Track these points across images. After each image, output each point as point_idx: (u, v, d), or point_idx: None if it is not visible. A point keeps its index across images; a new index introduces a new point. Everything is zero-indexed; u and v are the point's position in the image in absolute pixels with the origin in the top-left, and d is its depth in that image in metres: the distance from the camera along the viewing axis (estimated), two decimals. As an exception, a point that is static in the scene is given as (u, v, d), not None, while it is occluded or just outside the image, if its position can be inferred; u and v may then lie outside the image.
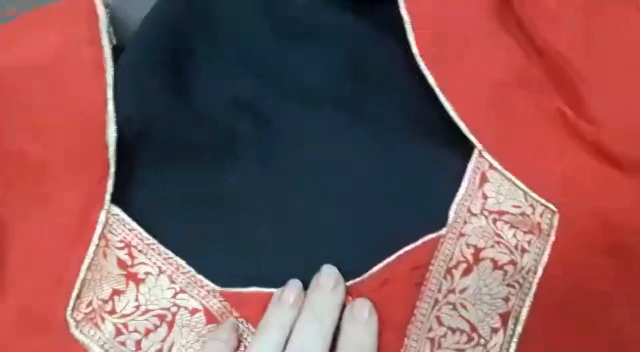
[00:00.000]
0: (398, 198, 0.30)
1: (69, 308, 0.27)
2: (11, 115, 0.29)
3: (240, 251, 0.29)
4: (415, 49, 0.30)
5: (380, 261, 0.28)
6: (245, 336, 0.27)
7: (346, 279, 0.28)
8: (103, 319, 0.27)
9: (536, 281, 0.28)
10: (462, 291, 0.28)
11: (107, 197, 0.29)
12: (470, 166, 0.30)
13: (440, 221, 0.30)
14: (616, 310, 0.28)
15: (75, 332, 0.27)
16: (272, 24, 0.32)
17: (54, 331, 0.27)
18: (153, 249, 0.28)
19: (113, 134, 0.28)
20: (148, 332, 0.27)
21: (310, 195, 0.29)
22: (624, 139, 0.30)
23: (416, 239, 0.29)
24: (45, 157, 0.28)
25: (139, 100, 0.30)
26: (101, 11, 0.29)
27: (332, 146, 0.30)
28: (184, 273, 0.28)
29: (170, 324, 0.27)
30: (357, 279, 0.28)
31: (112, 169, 0.29)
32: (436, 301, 0.28)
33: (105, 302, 0.27)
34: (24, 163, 0.28)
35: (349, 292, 0.28)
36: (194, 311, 0.27)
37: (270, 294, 0.27)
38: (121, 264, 0.28)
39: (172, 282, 0.28)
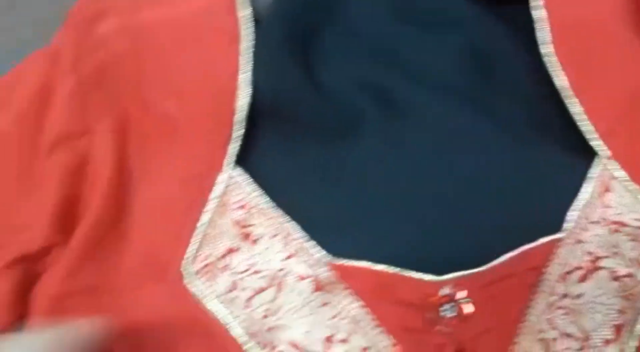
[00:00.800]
0: (518, 197, 0.29)
1: (185, 261, 0.28)
2: (156, 70, 0.30)
3: (354, 225, 0.29)
4: (548, 49, 0.30)
5: (494, 256, 0.28)
6: (351, 311, 0.27)
7: (458, 269, 0.27)
8: (217, 274, 0.28)
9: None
10: (577, 297, 0.27)
11: (230, 159, 0.30)
12: (594, 173, 0.30)
13: (557, 225, 0.29)
14: None
15: (189, 284, 0.27)
16: (399, 10, 0.32)
17: (169, 281, 0.27)
18: (268, 213, 0.29)
19: (244, 99, 0.29)
20: (258, 291, 0.27)
21: (432, 180, 0.29)
22: None
23: (532, 239, 0.28)
24: (179, 115, 0.30)
25: (270, 71, 0.31)
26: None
27: (456, 135, 0.30)
28: (295, 239, 0.28)
29: (279, 287, 0.27)
30: (473, 271, 0.27)
31: (238, 133, 0.30)
32: (549, 304, 0.27)
33: (221, 258, 0.28)
34: (160, 119, 0.30)
35: (461, 282, 0.27)
36: (302, 277, 0.28)
37: (380, 271, 0.27)
38: (237, 224, 0.29)
39: (284, 246, 0.28)
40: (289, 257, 0.28)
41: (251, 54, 0.30)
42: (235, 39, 0.30)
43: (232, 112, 0.29)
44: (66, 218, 0.29)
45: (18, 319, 0.27)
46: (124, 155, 0.30)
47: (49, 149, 0.30)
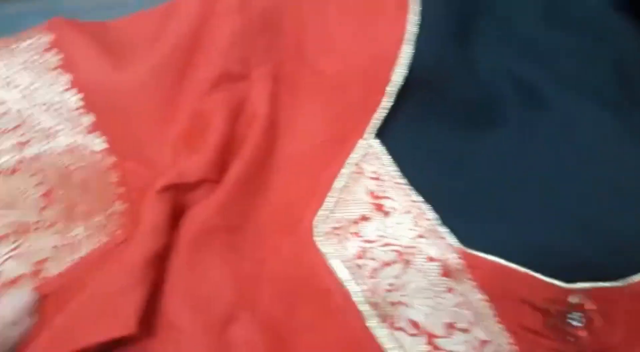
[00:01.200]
0: None
1: (317, 218, 0.27)
2: (317, 27, 0.30)
3: (487, 217, 0.28)
4: None
5: (632, 270, 0.27)
6: (474, 303, 0.27)
7: (590, 278, 0.27)
8: (348, 238, 0.27)
9: None
10: None
11: (372, 128, 0.29)
12: None
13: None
14: None
15: (318, 242, 0.27)
16: (553, 14, 0.33)
17: (300, 235, 0.27)
18: (402, 189, 0.28)
19: (402, 71, 0.29)
20: (385, 264, 0.27)
21: (570, 180, 0.29)
22: None
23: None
24: (333, 75, 0.29)
25: (433, 45, 0.30)
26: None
27: (594, 138, 0.30)
28: (427, 220, 0.28)
29: (407, 264, 0.27)
30: (608, 284, 0.27)
31: (386, 104, 0.29)
32: None
33: (352, 223, 0.28)
34: (314, 75, 0.30)
35: (593, 294, 0.27)
36: (430, 259, 0.27)
37: (510, 268, 0.27)
38: (371, 193, 0.28)
39: (415, 225, 0.28)
40: (419, 236, 0.28)
41: (416, 27, 0.30)
42: (404, 8, 0.30)
43: (386, 82, 0.29)
44: (222, 155, 0.28)
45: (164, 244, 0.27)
46: (276, 104, 0.30)
47: (210, 85, 0.30)
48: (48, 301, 0.26)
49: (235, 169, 0.28)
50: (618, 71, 0.32)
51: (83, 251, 0.27)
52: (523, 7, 0.33)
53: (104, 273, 0.25)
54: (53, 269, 0.27)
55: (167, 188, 0.27)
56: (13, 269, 0.26)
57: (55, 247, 0.27)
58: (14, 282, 0.26)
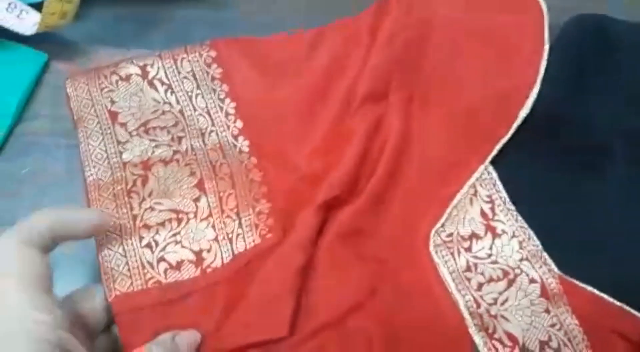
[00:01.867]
0: None
1: (435, 230, 0.31)
2: (455, 67, 0.34)
3: (587, 250, 0.31)
4: None
5: None
6: (567, 326, 0.29)
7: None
8: (459, 252, 0.31)
9: None
10: None
11: (490, 156, 0.33)
12: None
13: None
14: None
15: (432, 251, 0.31)
16: None
17: (417, 244, 0.31)
18: (512, 215, 0.32)
19: (526, 111, 0.32)
20: (491, 280, 0.30)
21: None
22: None
23: None
24: (464, 106, 0.33)
25: (555, 92, 0.34)
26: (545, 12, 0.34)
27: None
28: (533, 245, 0.31)
29: (511, 282, 0.30)
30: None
31: (507, 136, 0.32)
32: None
33: (465, 239, 0.31)
34: (448, 105, 0.34)
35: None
36: (531, 281, 0.30)
37: (602, 298, 0.30)
38: (483, 214, 0.32)
39: (521, 248, 0.31)
40: (524, 259, 0.31)
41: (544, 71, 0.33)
42: (539, 53, 0.33)
43: (514, 118, 0.32)
44: (360, 168, 0.32)
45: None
46: (409, 125, 0.33)
47: (359, 104, 0.34)
48: (208, 291, 0.29)
49: (371, 182, 0.32)
50: None
51: (239, 248, 0.31)
52: (635, 61, 0.36)
53: (261, 279, 0.29)
54: (212, 261, 0.30)
55: (324, 203, 0.31)
56: (177, 252, 0.31)
57: (213, 239, 0.31)
58: (178, 265, 0.30)
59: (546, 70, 0.34)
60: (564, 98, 0.34)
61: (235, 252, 0.31)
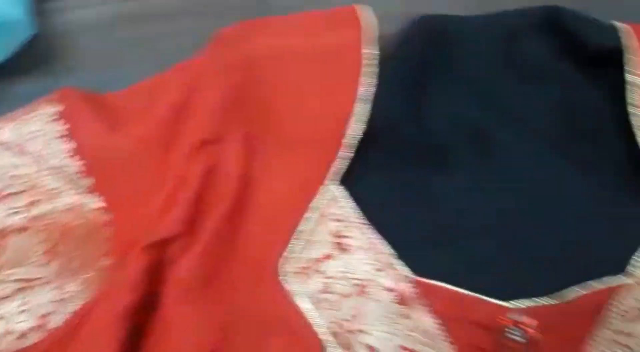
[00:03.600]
0: (595, 237, 0.32)
1: (283, 259, 0.32)
2: (284, 98, 0.35)
3: (437, 248, 0.32)
4: (635, 110, 0.33)
5: (561, 289, 0.30)
6: (426, 325, 0.30)
7: (526, 292, 0.30)
8: (311, 276, 0.31)
9: None
10: (636, 336, 0.30)
11: (334, 176, 0.33)
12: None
13: (623, 266, 0.31)
14: None
15: (284, 282, 0.31)
16: (502, 62, 0.36)
17: (269, 279, 0.31)
18: (361, 228, 0.32)
19: (358, 126, 0.34)
20: (345, 296, 0.31)
21: (513, 216, 0.32)
22: None
23: (598, 277, 0.31)
24: (298, 136, 0.34)
25: (384, 106, 0.35)
26: (372, 25, 0.35)
27: (540, 177, 0.33)
28: (384, 254, 0.32)
29: (365, 295, 0.31)
30: (543, 300, 0.30)
31: (345, 155, 0.34)
32: (609, 340, 0.30)
33: (316, 262, 0.32)
34: (281, 138, 0.34)
35: (531, 310, 0.30)
36: (387, 289, 0.31)
37: (456, 292, 0.30)
38: (333, 233, 0.32)
39: (373, 259, 0.32)
40: (377, 270, 0.32)
41: (371, 89, 0.34)
42: (357, 70, 0.34)
43: (341, 135, 0.33)
44: (197, 211, 0.33)
45: (142, 297, 0.31)
46: (248, 162, 0.34)
47: (192, 150, 0.34)
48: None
49: (210, 223, 0.32)
50: (566, 112, 0.36)
51: (76, 305, 0.31)
52: (476, 59, 0.37)
53: (85, 327, 0.30)
54: (55, 323, 0.31)
55: (151, 245, 0.32)
56: (23, 323, 0.31)
57: (53, 301, 0.31)
58: (24, 335, 0.31)
59: (383, 81, 0.35)
60: (396, 106, 0.35)
61: (76, 310, 0.31)
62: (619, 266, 0.31)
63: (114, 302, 0.30)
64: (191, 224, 0.32)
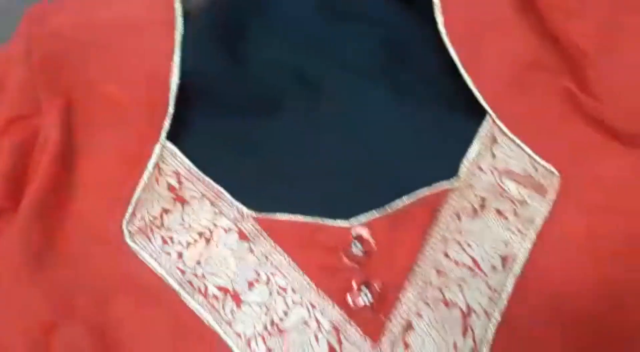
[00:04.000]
0: (420, 151, 0.34)
1: (125, 221, 0.32)
2: (99, 58, 0.35)
3: (274, 185, 0.33)
4: (443, 29, 0.35)
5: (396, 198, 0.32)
6: (273, 256, 0.31)
7: (364, 210, 0.32)
8: (153, 232, 0.31)
9: (535, 230, 0.32)
10: (468, 231, 0.32)
11: (163, 133, 0.34)
12: (484, 130, 0.34)
13: (453, 173, 0.33)
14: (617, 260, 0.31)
15: (129, 242, 0.31)
16: (321, 4, 0.37)
17: (111, 241, 0.31)
18: (198, 178, 0.33)
19: (175, 81, 0.34)
20: (188, 244, 0.31)
21: (342, 144, 0.34)
22: (624, 116, 0.34)
23: (431, 185, 0.33)
24: (120, 96, 0.34)
25: (200, 56, 0.35)
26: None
27: (367, 107, 0.35)
28: (222, 199, 0.32)
29: (208, 240, 0.31)
30: (377, 212, 0.32)
31: (171, 110, 0.34)
32: (444, 238, 0.31)
33: (155, 218, 0.32)
34: (103, 100, 0.34)
35: (367, 224, 0.31)
36: (228, 231, 0.32)
37: (297, 220, 0.31)
38: (171, 188, 0.33)
39: (212, 205, 0.32)
40: (215, 213, 0.32)
41: (182, 41, 0.35)
42: (171, 28, 0.34)
43: (167, 91, 0.33)
44: (15, 185, 0.32)
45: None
46: (70, 130, 0.33)
47: (2, 129, 0.34)
48: None
49: (30, 195, 0.32)
50: (388, 46, 0.38)
51: None
52: (294, 3, 0.38)
53: None
54: None
55: None
56: None
57: None
58: None
59: (198, 33, 0.36)
60: (220, 57, 0.36)
61: None
62: (450, 173, 0.33)
63: None
64: (11, 200, 0.32)
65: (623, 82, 0.34)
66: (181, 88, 0.34)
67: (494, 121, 0.34)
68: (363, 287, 0.30)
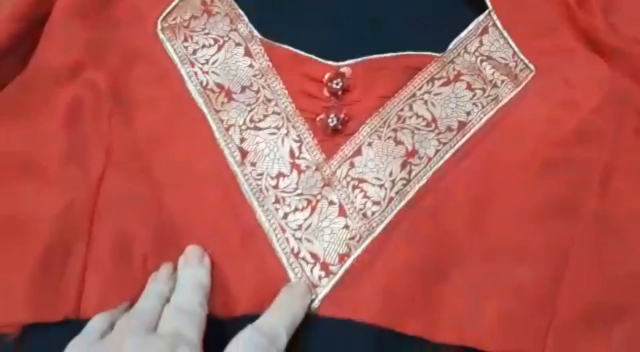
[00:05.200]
0: (421, 21, 0.39)
1: (161, 17, 0.38)
2: None
3: (286, 21, 0.39)
4: None
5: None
6: (267, 75, 0.37)
7: (355, 57, 0.37)
8: (180, 30, 0.38)
9: (497, 107, 0.36)
10: (436, 94, 0.36)
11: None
12: (478, 19, 0.38)
13: (441, 49, 0.38)
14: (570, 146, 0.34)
15: (159, 33, 0.38)
16: None
17: (147, 29, 0.38)
18: (227, 0, 0.39)
19: None
20: (204, 46, 0.38)
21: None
22: (609, 30, 0.37)
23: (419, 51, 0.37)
24: None
25: None
26: None
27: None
28: (241, 20, 0.39)
29: (220, 47, 0.38)
30: (363, 58, 0.37)
31: None
32: (414, 94, 0.36)
33: (185, 20, 0.38)
34: None
35: (353, 65, 0.37)
36: (238, 45, 0.38)
37: (294, 52, 0.37)
38: (203, 2, 0.39)
39: (231, 23, 0.38)
40: (232, 29, 0.38)
41: None
42: None
43: None
44: None
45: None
46: None
47: None
48: None
49: None
50: None
51: None
52: None
53: None
54: None
55: None
56: None
57: None
58: None
59: None
60: None
61: None
62: (439, 47, 0.38)
63: None
64: None
65: (622, 5, 0.37)
66: None
67: (489, 14, 0.38)
68: (332, 115, 0.36)
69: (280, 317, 0.29)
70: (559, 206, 0.33)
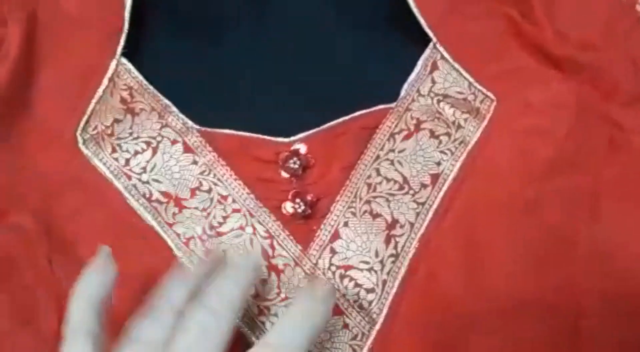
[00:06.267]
0: (363, 74, 0.36)
1: (79, 128, 0.34)
2: None
3: (219, 101, 0.35)
4: None
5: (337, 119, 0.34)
6: (215, 168, 0.33)
7: (305, 129, 0.34)
8: (104, 140, 0.34)
9: (466, 150, 0.33)
10: (401, 151, 0.33)
11: (119, 49, 0.35)
12: (425, 55, 0.36)
13: (393, 97, 0.35)
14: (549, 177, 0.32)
15: (82, 147, 0.33)
16: None
17: (65, 145, 0.33)
18: (148, 92, 0.35)
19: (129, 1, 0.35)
20: (136, 153, 0.33)
21: (286, 63, 0.35)
22: (560, 40, 0.35)
23: (370, 107, 0.34)
24: (79, 12, 0.35)
25: None
26: None
27: (315, 27, 0.36)
28: (170, 112, 0.34)
29: (155, 150, 0.33)
30: (316, 129, 0.33)
31: (126, 26, 0.35)
32: (378, 157, 0.33)
33: (107, 127, 0.34)
34: (63, 16, 0.35)
35: (305, 140, 0.33)
36: (174, 142, 0.33)
37: (239, 135, 0.33)
38: (123, 101, 0.35)
39: (160, 118, 0.34)
40: (163, 127, 0.34)
41: None
42: None
43: (122, 8, 0.35)
44: None
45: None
46: (31, 41, 0.35)
47: None
48: None
49: None
50: None
51: None
52: None
53: None
54: None
55: None
56: None
57: None
58: None
59: None
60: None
61: None
62: (392, 97, 0.35)
63: None
64: None
65: (564, 7, 0.35)
66: (137, 8, 0.35)
67: (435, 47, 0.35)
68: (297, 199, 0.32)
69: (296, 328, 0.25)
70: (554, 242, 0.32)
